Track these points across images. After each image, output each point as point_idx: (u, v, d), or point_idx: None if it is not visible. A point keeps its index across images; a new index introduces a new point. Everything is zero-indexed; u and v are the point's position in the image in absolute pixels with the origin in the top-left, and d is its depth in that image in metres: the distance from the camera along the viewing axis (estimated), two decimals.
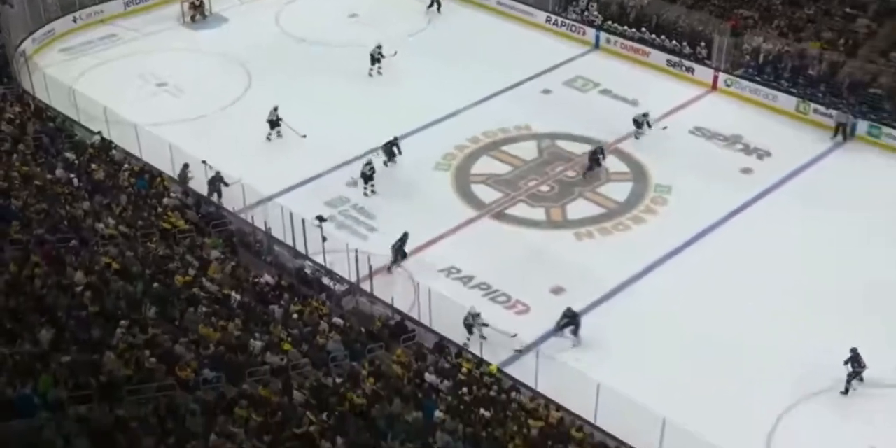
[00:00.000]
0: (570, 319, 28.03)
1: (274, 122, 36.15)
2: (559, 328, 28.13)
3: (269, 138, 36.24)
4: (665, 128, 37.43)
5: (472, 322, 27.54)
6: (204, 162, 32.26)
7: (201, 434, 21.55)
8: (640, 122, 36.83)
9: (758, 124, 38.07)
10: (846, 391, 26.63)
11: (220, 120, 37.83)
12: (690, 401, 25.36)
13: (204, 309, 26.25)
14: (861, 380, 26.54)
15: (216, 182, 32.34)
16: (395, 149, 35.12)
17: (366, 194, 33.76)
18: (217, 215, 31.64)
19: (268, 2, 46.44)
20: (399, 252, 30.13)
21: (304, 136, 35.82)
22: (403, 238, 30.23)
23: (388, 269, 30.09)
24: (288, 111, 37.17)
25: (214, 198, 32.60)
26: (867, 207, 33.22)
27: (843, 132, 37.05)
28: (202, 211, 31.71)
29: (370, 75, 40.01)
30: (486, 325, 27.47)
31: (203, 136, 35.70)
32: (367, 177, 33.84)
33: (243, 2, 46.25)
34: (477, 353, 26.91)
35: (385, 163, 34.97)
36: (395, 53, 39.79)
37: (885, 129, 36.69)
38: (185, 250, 29.06)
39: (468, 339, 27.67)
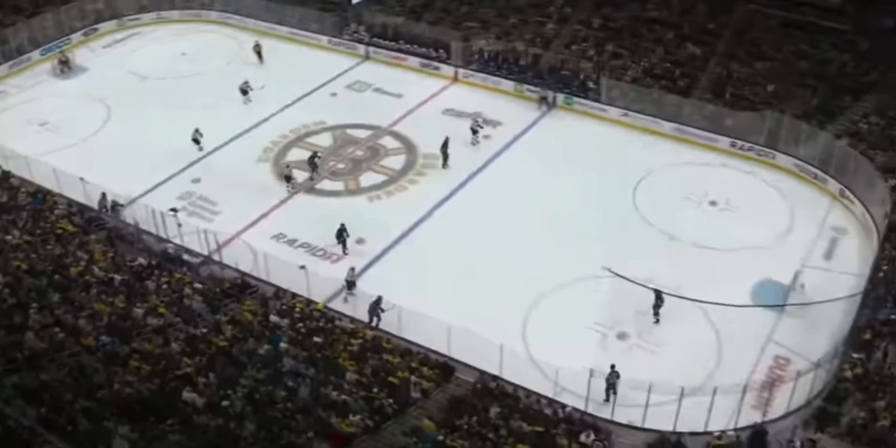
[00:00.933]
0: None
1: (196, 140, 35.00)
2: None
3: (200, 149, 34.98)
4: (262, 87, 37.85)
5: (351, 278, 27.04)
6: (81, 179, 30.57)
7: (107, 385, 21.23)
8: (476, 130, 35.05)
9: (490, 103, 38.40)
10: (656, 320, 26.48)
11: (90, 145, 35.69)
12: (466, 310, 25.63)
13: (95, 290, 25.42)
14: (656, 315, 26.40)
15: (114, 206, 30.94)
16: (316, 161, 33.26)
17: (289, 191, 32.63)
18: (96, 218, 30.20)
19: (116, 52, 43.99)
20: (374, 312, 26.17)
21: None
22: (378, 301, 26.14)
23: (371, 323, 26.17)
24: (141, 130, 35.91)
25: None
26: (570, 155, 34.33)
27: (547, 103, 37.97)
28: (85, 216, 30.18)
29: (245, 104, 38.12)
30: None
31: (79, 160, 33.61)
32: (289, 178, 32.68)
33: (98, 54, 43.64)
34: (306, 295, 26.52)
35: (311, 177, 33.40)
36: (263, 87, 38.18)
37: (576, 99, 37.73)
38: (76, 248, 27.84)
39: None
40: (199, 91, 39.39)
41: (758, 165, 33.79)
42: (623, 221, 30.46)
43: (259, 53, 41.97)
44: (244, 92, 38.30)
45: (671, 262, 28.49)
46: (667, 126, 35.77)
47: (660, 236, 29.98)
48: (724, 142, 34.61)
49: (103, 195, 30.77)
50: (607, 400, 23.17)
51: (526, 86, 38.64)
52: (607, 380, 23.14)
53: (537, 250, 29.00)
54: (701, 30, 39.30)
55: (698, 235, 29.78)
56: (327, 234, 29.59)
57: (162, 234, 29.38)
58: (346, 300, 27.03)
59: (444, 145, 34.02)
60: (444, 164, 33.98)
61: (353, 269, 27.65)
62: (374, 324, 25.56)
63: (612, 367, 23.36)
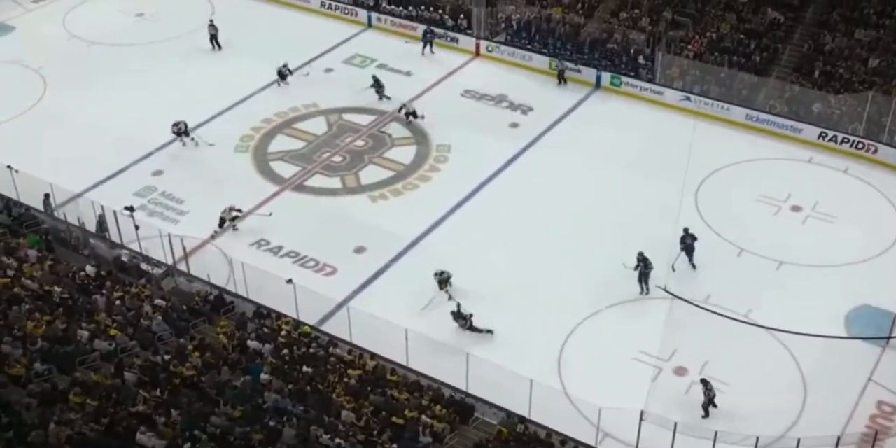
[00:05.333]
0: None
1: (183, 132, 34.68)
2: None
3: (183, 144, 34.74)
4: (308, 74, 37.83)
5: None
6: (10, 167, 30.45)
7: (39, 424, 20.86)
8: (284, 74, 36.37)
9: (518, 83, 38.52)
10: (645, 291, 27.59)
11: (21, 125, 35.71)
12: (489, 336, 25.86)
13: (27, 306, 25.16)
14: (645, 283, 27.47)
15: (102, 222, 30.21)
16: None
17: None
18: (29, 216, 30.05)
19: (52, 8, 43.98)
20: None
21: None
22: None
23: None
24: (86, 108, 35.92)
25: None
26: (618, 147, 34.24)
27: (563, 78, 38.28)
28: (13, 213, 30.04)
29: (278, 86, 38.18)
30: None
31: (5, 143, 33.68)
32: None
33: (28, 9, 43.67)
34: (294, 315, 26.45)
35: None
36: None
37: (625, 79, 37.71)
38: (1, 252, 27.64)
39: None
40: (160, 62, 39.45)
41: (854, 161, 33.62)
42: (681, 230, 30.27)
43: (214, 38, 40.87)
44: (282, 76, 37.90)
45: (741, 281, 28.38)
46: (738, 112, 35.66)
47: (727, 249, 29.81)
48: (812, 132, 34.49)
49: (47, 196, 30.49)
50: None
51: (563, 62, 38.58)
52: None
53: (575, 264, 28.90)
54: None
55: (776, 248, 29.58)
56: (320, 241, 29.52)
57: (115, 239, 29.26)
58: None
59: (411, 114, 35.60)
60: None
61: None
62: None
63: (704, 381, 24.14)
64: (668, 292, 27.28)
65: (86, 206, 29.93)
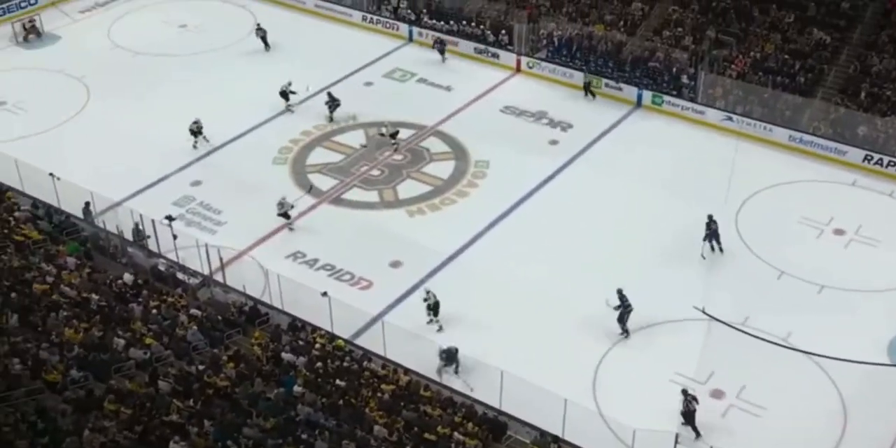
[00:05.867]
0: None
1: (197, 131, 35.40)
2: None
3: (194, 146, 35.28)
4: (308, 88, 37.70)
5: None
6: (51, 174, 30.86)
7: (74, 431, 21.01)
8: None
9: (559, 100, 38.54)
10: (626, 334, 27.21)
11: (64, 134, 36.28)
12: (524, 353, 25.69)
13: (65, 313, 25.35)
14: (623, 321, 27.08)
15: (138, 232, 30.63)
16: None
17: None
18: (69, 224, 30.34)
19: (98, 19, 44.70)
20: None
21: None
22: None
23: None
24: (128, 118, 36.40)
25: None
26: (658, 167, 34.11)
27: (590, 91, 38.57)
28: (54, 221, 30.39)
29: (288, 110, 37.89)
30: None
31: (48, 151, 34.17)
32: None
33: (75, 20, 44.36)
34: (328, 328, 26.52)
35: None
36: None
37: (666, 98, 37.63)
38: (41, 260, 27.88)
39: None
40: (202, 72, 39.97)
41: None
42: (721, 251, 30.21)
43: (264, 39, 41.96)
44: (285, 96, 37.61)
45: (780, 303, 28.20)
46: (781, 133, 35.43)
47: (768, 271, 29.60)
48: (856, 154, 34.21)
49: (87, 205, 30.78)
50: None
51: (604, 80, 38.60)
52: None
53: (613, 283, 28.48)
54: (832, 11, 38.73)
55: (818, 272, 29.33)
56: (356, 255, 29.64)
57: (153, 248, 29.49)
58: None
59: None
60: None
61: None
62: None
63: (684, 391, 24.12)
64: (706, 314, 27.06)
65: (125, 215, 30.12)
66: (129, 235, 29.83)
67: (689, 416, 24.23)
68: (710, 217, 29.74)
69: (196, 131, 35.16)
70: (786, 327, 27.03)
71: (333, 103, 37.04)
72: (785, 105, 35.76)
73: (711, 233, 29.74)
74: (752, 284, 28.93)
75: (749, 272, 29.42)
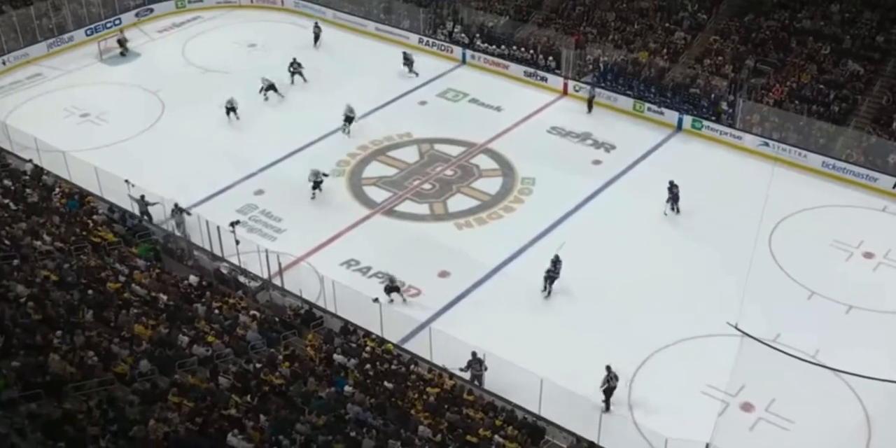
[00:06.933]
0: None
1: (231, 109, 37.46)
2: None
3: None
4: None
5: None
6: (127, 181, 31.44)
7: (140, 421, 21.25)
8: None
9: (603, 122, 38.52)
10: (547, 292, 28.37)
11: (139, 143, 36.96)
12: (563, 362, 25.63)
13: (135, 310, 25.74)
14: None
15: (143, 205, 31.64)
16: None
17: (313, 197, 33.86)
18: (141, 227, 30.87)
19: (174, 38, 45.60)
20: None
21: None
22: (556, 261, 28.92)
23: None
24: (198, 130, 37.00)
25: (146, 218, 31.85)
26: (696, 188, 33.74)
27: (590, 105, 39.24)
28: (128, 224, 30.93)
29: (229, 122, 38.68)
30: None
31: (125, 159, 34.77)
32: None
33: (153, 39, 45.23)
34: (378, 333, 26.68)
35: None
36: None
37: (705, 122, 37.48)
38: (115, 260, 28.37)
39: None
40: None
41: None
42: (754, 271, 29.68)
43: (317, 36, 43.65)
44: (348, 120, 37.47)
45: (810, 322, 27.97)
46: (815, 160, 35.16)
47: (798, 291, 29.36)
48: (887, 181, 33.85)
49: (142, 198, 31.43)
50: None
51: (647, 104, 38.57)
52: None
53: (649, 298, 28.74)
54: (866, 44, 38.41)
55: (847, 293, 29.02)
56: (407, 264, 29.78)
57: (217, 252, 29.87)
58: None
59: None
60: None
61: None
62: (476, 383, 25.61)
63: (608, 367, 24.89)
64: (738, 330, 26.86)
65: (192, 220, 30.65)
66: (195, 239, 30.20)
67: (608, 392, 24.98)
68: (671, 182, 32.39)
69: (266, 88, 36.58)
70: (815, 345, 26.77)
71: (349, 119, 37.27)
72: (819, 132, 35.47)
73: (672, 196, 32.43)
74: (783, 303, 28.71)
75: (781, 291, 29.18)
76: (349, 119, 37.44)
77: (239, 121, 37.90)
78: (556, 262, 28.80)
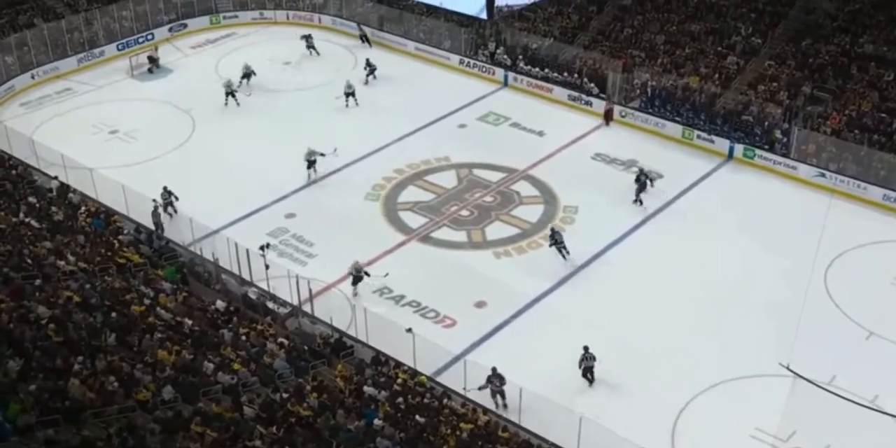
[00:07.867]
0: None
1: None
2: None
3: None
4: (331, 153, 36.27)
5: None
6: (154, 201, 31.84)
7: None
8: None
9: (650, 150, 38.33)
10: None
11: (169, 162, 37.27)
12: (604, 400, 25.51)
13: (159, 335, 25.71)
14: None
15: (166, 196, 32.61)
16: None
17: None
18: (168, 249, 31.04)
19: (207, 54, 46.16)
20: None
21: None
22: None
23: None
24: (229, 150, 37.30)
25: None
26: (747, 220, 33.66)
27: (609, 118, 40.14)
28: (154, 246, 31.09)
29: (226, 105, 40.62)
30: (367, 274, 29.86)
31: (153, 178, 34.95)
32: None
33: (186, 55, 45.79)
34: (411, 364, 26.54)
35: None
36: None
37: (758, 151, 37.19)
38: (140, 282, 28.46)
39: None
40: (301, 108, 40.75)
41: None
42: (809, 309, 29.25)
43: (311, 46, 45.16)
44: (229, 94, 40.47)
45: (868, 364, 27.43)
46: (875, 192, 34.78)
47: (856, 331, 28.87)
48: None
49: (165, 189, 32.23)
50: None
51: (697, 131, 38.40)
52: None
53: (696, 336, 28.36)
54: None
55: None
56: (443, 293, 29.73)
57: (245, 276, 29.94)
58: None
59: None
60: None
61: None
62: (497, 403, 25.63)
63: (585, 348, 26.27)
64: (791, 371, 26.45)
65: (220, 242, 30.73)
66: (223, 263, 30.23)
67: (586, 371, 26.51)
68: (640, 170, 34.18)
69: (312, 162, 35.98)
70: (873, 389, 26.24)
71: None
72: (881, 164, 35.02)
73: (641, 185, 33.97)
74: (839, 343, 28.21)
75: (837, 331, 28.70)
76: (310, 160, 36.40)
77: (272, 140, 38.06)
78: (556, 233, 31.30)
